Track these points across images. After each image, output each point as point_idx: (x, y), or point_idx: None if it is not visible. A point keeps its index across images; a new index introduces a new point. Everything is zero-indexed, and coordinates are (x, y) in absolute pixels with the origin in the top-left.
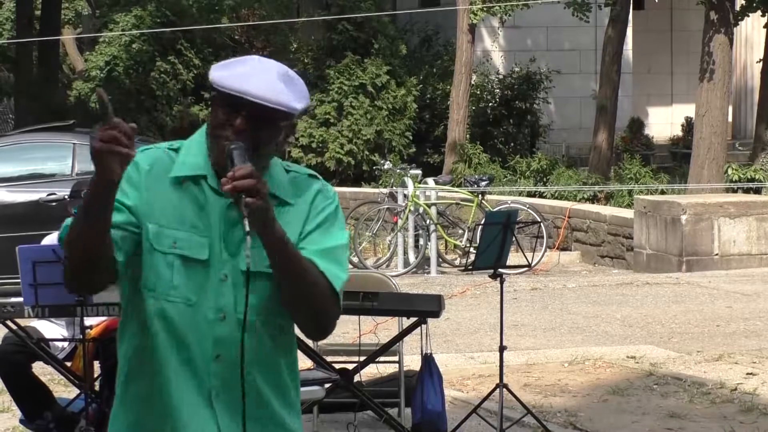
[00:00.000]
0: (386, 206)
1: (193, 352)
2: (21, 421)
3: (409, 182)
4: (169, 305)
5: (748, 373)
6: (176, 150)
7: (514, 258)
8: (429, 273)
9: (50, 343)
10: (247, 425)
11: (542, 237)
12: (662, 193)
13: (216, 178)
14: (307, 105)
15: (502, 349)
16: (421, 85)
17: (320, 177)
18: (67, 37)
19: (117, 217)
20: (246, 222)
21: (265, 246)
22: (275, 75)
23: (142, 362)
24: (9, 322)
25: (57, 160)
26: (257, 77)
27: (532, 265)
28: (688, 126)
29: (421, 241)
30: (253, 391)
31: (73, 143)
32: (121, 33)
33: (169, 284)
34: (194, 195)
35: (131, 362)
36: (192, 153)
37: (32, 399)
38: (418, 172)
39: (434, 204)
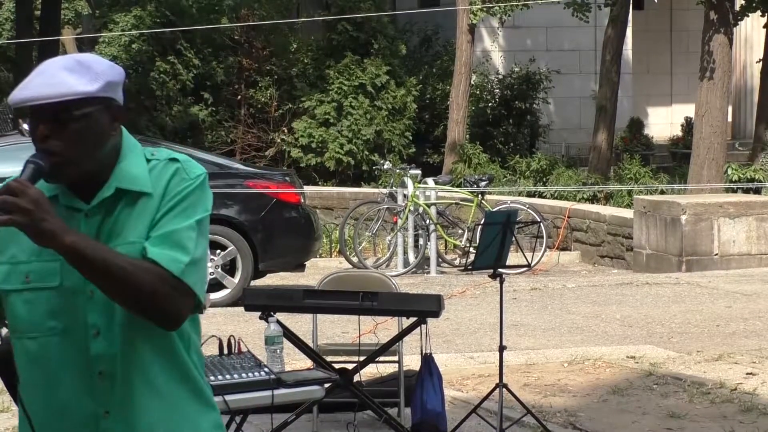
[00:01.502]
0: (386, 206)
1: (73, 377)
2: None
3: (409, 182)
4: (33, 342)
5: (747, 373)
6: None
7: (513, 258)
8: (429, 273)
9: None
10: None
11: (542, 237)
12: (662, 193)
13: (68, 196)
14: (104, 83)
15: (501, 349)
16: (420, 85)
17: (182, 158)
18: (67, 37)
19: None
20: None
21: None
22: (56, 69)
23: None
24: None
25: None
26: (35, 79)
27: (532, 265)
28: (688, 126)
29: (421, 241)
30: (143, 400)
31: None
32: (120, 33)
33: (28, 321)
34: None
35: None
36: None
37: None
38: (418, 172)
39: (434, 204)
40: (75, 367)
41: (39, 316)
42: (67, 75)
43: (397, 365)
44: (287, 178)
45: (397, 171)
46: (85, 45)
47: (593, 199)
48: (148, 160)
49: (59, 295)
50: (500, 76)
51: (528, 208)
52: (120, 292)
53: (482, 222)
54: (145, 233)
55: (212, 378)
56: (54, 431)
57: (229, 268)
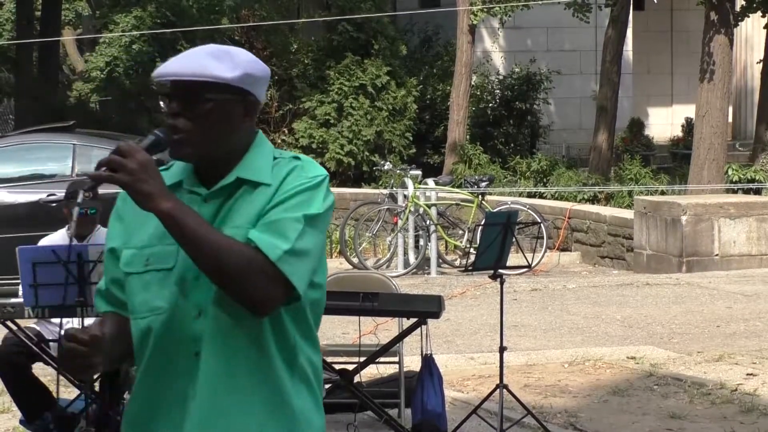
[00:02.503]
0: (386, 207)
1: (173, 356)
2: (21, 422)
3: (409, 183)
4: (142, 321)
5: (748, 374)
6: (169, 167)
7: (514, 259)
8: (429, 274)
9: (50, 343)
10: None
11: (542, 238)
12: (662, 193)
13: (191, 181)
14: (243, 74)
15: (502, 349)
16: (421, 86)
17: (304, 159)
18: (68, 38)
19: (116, 272)
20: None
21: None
22: (201, 52)
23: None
24: (9, 323)
25: (57, 161)
26: (180, 59)
27: (532, 265)
28: (688, 126)
29: (421, 242)
30: (233, 381)
31: (73, 144)
32: (121, 34)
33: (142, 301)
34: None
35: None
36: (179, 165)
37: (32, 400)
38: (418, 172)
39: (434, 204)
40: (174, 347)
41: (150, 297)
42: (209, 59)
43: (397, 366)
44: None
45: (398, 171)
46: (85, 45)
47: (594, 199)
48: (275, 158)
49: (170, 276)
50: (501, 77)
51: (528, 208)
52: (211, 267)
53: (483, 223)
54: (253, 220)
55: None
56: (148, 409)
57: None
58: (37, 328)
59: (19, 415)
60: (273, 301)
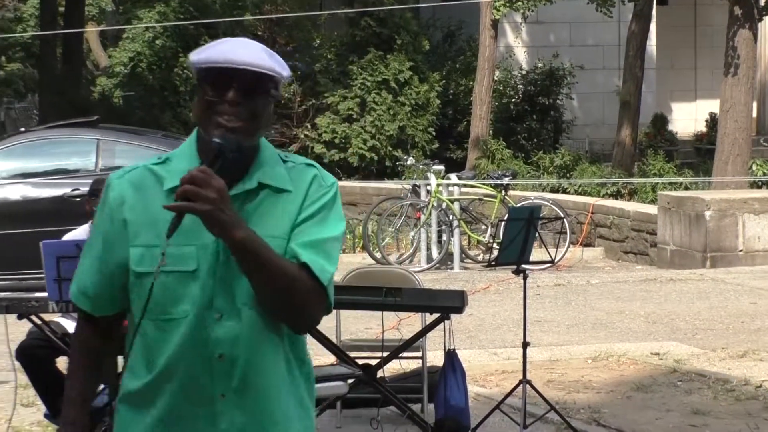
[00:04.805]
0: (409, 202)
1: (196, 358)
2: (45, 416)
3: (432, 178)
4: (164, 323)
5: None
6: (164, 161)
7: (537, 254)
8: (452, 269)
9: None
10: (252, 418)
11: (565, 233)
12: (686, 188)
13: None
14: (290, 74)
15: (525, 345)
16: (444, 81)
17: (317, 165)
18: (91, 29)
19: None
20: (169, 227)
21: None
22: (257, 46)
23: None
24: (33, 317)
25: (81, 156)
26: (240, 49)
27: (556, 260)
28: (712, 122)
29: (444, 237)
30: (256, 383)
31: (97, 139)
32: (145, 25)
33: (161, 303)
34: None
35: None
36: (181, 160)
37: (56, 394)
38: (441, 167)
39: (457, 199)
40: (197, 349)
41: (172, 299)
42: (265, 54)
43: (420, 361)
44: None
45: (421, 167)
46: (108, 41)
47: (617, 195)
48: (284, 161)
49: (193, 278)
50: (523, 72)
51: (551, 203)
52: (274, 291)
53: (506, 218)
54: (288, 231)
55: None
56: (174, 410)
57: None
58: (62, 323)
59: (43, 408)
60: (318, 321)
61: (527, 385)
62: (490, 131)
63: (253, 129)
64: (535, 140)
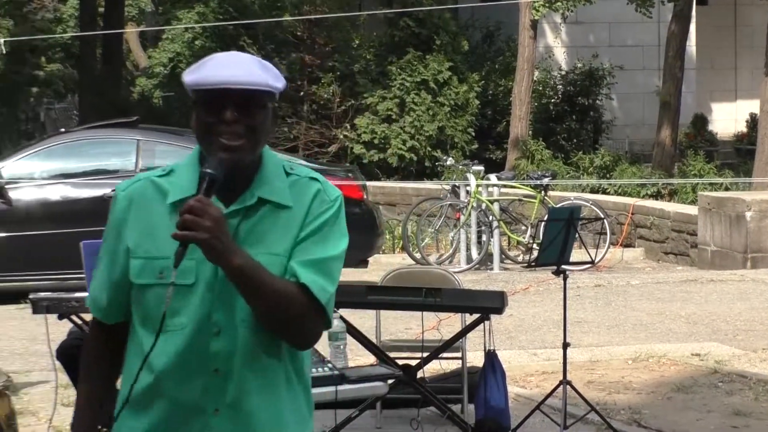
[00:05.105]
0: (449, 202)
1: (192, 372)
2: None
3: (472, 178)
4: (164, 336)
5: None
6: (168, 173)
7: (577, 254)
8: (492, 269)
9: None
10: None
11: (605, 233)
12: (726, 189)
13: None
14: (284, 85)
15: (565, 345)
16: (483, 81)
17: (321, 179)
18: (130, 30)
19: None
20: (175, 257)
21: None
22: (248, 60)
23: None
24: (74, 317)
25: (121, 156)
26: (232, 67)
27: (596, 261)
28: (753, 122)
29: (484, 238)
30: (251, 400)
31: (137, 139)
32: (184, 26)
33: (158, 315)
34: None
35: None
36: (184, 173)
37: None
38: (481, 168)
39: (497, 200)
40: (193, 363)
41: (170, 312)
42: (257, 68)
43: (460, 362)
44: (350, 174)
45: (460, 167)
46: (148, 42)
47: (657, 195)
48: (287, 174)
49: (191, 292)
50: (563, 72)
51: (591, 204)
52: (271, 312)
53: (545, 218)
54: (289, 248)
55: None
56: (167, 421)
57: None
58: None
59: None
60: (317, 338)
61: (567, 386)
62: (530, 132)
63: (253, 144)
64: (575, 141)
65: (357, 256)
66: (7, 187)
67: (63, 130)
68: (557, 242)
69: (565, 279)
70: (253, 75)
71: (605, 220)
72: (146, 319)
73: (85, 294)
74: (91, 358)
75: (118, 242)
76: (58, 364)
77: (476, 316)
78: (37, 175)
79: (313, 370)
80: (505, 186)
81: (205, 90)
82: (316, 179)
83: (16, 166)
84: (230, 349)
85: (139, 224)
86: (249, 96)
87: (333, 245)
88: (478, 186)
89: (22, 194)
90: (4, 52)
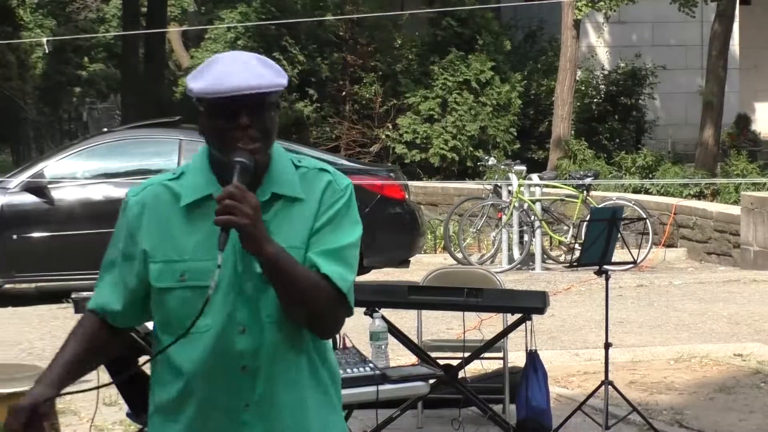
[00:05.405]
0: (490, 202)
1: (220, 371)
2: (128, 415)
3: (514, 178)
4: (190, 338)
5: None
6: (179, 177)
7: (619, 254)
8: (533, 269)
9: None
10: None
11: (648, 233)
12: None
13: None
14: (287, 79)
15: (607, 346)
16: (525, 81)
17: (330, 169)
18: (173, 29)
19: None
20: (219, 241)
21: (258, 262)
22: (252, 62)
23: (172, 401)
24: None
25: (163, 156)
26: (240, 71)
27: (638, 261)
28: None
29: (526, 238)
30: (279, 394)
31: (179, 139)
32: (227, 25)
33: (182, 317)
34: (204, 216)
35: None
36: (195, 175)
37: (138, 393)
38: (523, 168)
39: (539, 200)
40: (221, 362)
41: (193, 313)
42: (261, 67)
43: (501, 362)
44: (392, 174)
45: (502, 167)
46: (191, 41)
47: (699, 195)
48: (296, 166)
49: (214, 293)
50: (605, 72)
51: (634, 204)
52: (298, 302)
53: (588, 218)
54: (305, 239)
55: None
56: (200, 420)
57: None
58: (146, 323)
59: (126, 407)
60: (340, 327)
61: (609, 386)
62: (572, 131)
63: (268, 145)
64: (617, 140)
65: (399, 256)
66: (49, 186)
67: (105, 129)
68: (599, 242)
69: (607, 279)
70: (263, 77)
71: (647, 221)
72: (168, 324)
73: None
74: (79, 338)
75: (134, 248)
76: None
77: (518, 316)
78: (80, 175)
79: (355, 369)
80: (547, 186)
81: (219, 98)
82: (325, 170)
83: (58, 165)
84: (256, 346)
85: (154, 229)
86: (261, 99)
87: (348, 233)
88: (520, 186)
89: (64, 194)
90: (48, 51)
